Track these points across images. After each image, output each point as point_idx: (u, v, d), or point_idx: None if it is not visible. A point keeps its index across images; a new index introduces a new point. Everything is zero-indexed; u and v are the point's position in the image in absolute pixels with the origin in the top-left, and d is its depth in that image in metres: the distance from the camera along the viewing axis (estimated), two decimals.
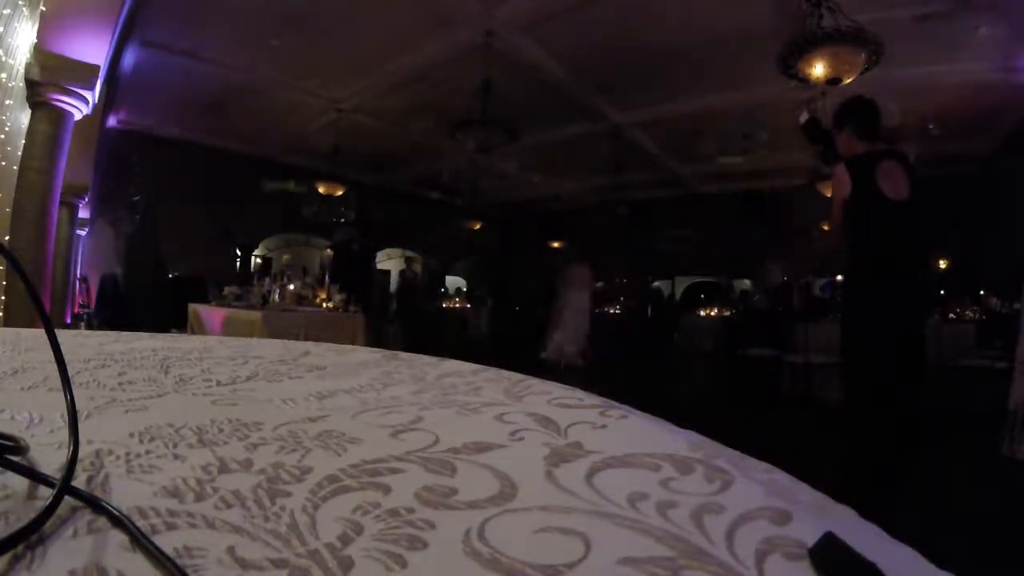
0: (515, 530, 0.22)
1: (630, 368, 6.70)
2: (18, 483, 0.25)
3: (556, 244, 12.09)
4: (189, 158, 8.73)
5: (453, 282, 12.75)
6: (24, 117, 3.82)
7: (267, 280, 4.91)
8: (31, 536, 0.20)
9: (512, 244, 12.52)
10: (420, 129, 8.16)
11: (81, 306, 7.19)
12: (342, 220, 9.73)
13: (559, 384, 0.48)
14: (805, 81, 4.34)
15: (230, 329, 3.93)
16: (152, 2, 5.01)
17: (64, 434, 0.31)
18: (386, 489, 0.25)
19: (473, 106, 6.14)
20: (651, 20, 5.40)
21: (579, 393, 0.44)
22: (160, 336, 0.85)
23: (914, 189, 2.15)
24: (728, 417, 3.91)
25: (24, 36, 3.56)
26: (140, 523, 0.22)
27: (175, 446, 0.31)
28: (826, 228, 2.27)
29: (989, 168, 7.68)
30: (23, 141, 3.78)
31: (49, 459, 0.28)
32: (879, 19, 4.32)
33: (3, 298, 3.44)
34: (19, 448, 0.27)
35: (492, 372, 0.55)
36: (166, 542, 0.20)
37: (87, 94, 4.04)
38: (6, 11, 3.25)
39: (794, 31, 4.31)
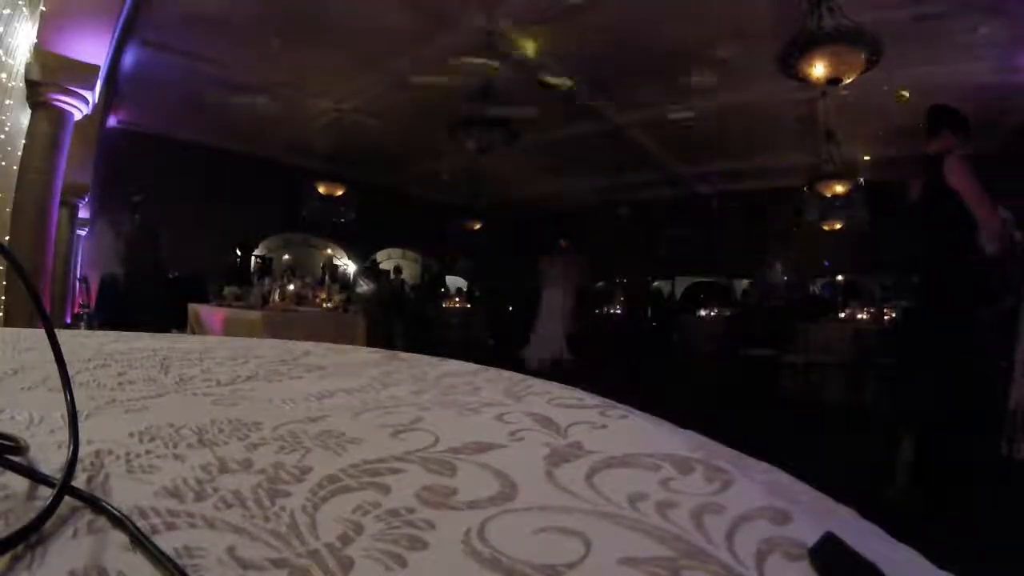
0: (515, 530, 0.22)
1: (630, 368, 6.69)
2: (18, 483, 0.25)
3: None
4: (189, 158, 8.73)
5: (453, 282, 12.74)
6: (24, 117, 3.82)
7: (267, 280, 4.91)
8: (31, 536, 0.20)
9: (512, 244, 12.52)
10: (420, 129, 8.16)
11: (81, 306, 7.19)
12: (342, 220, 9.73)
13: (559, 384, 0.48)
14: (805, 81, 4.35)
15: (230, 329, 3.92)
16: (152, 2, 5.01)
17: (64, 434, 0.31)
18: (386, 489, 0.25)
19: (473, 106, 6.14)
20: (651, 20, 5.41)
21: (579, 393, 0.44)
22: (160, 336, 0.85)
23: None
24: (728, 417, 3.91)
25: (24, 36, 3.56)
26: (140, 523, 0.22)
27: (175, 446, 0.31)
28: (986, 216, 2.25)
29: (989, 168, 7.68)
30: (23, 141, 3.77)
31: (49, 459, 0.28)
32: (879, 19, 4.32)
33: (3, 298, 3.44)
34: (19, 448, 0.27)
35: (492, 372, 0.55)
36: (166, 542, 0.20)
37: (87, 94, 4.04)
38: (6, 11, 3.25)
39: (794, 31, 4.32)
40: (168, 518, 0.22)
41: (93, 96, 4.14)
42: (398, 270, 10.05)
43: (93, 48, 4.04)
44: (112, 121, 7.46)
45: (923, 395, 2.29)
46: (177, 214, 8.64)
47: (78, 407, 0.30)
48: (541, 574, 0.19)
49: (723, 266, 10.58)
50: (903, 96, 5.80)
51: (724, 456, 0.30)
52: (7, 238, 3.51)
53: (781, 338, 5.31)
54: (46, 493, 0.23)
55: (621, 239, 10.98)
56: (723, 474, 0.27)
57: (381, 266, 11.82)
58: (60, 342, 0.31)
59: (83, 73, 3.96)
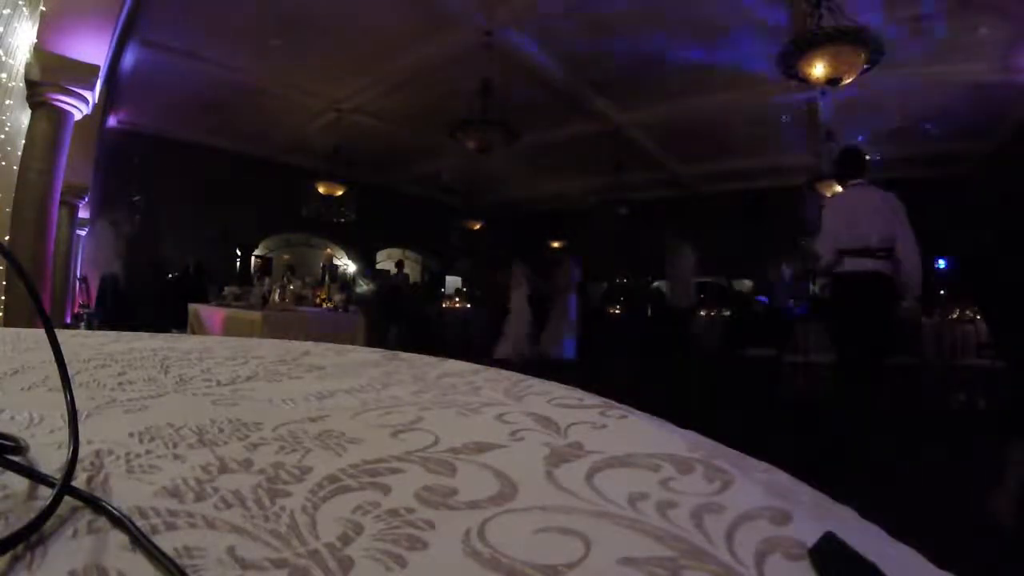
0: (515, 530, 0.22)
1: (630, 368, 6.69)
2: (18, 483, 0.25)
3: (556, 244, 12.09)
4: (189, 158, 8.74)
5: (453, 282, 12.75)
6: (24, 117, 3.82)
7: (267, 280, 4.91)
8: (31, 536, 0.20)
9: (512, 244, 12.54)
10: (420, 129, 8.17)
11: (81, 306, 7.19)
12: (342, 220, 9.73)
13: (559, 384, 0.48)
14: (805, 81, 4.35)
15: (230, 329, 3.92)
16: (152, 2, 5.02)
17: (64, 434, 0.31)
18: (386, 489, 0.25)
19: (473, 106, 6.14)
20: (651, 20, 5.41)
21: (579, 393, 0.44)
22: (160, 336, 0.85)
23: None
24: (728, 417, 3.91)
25: (24, 36, 3.56)
26: (140, 523, 0.22)
27: (175, 446, 0.31)
28: None
29: (989, 168, 7.69)
30: (23, 141, 3.77)
31: (49, 459, 0.28)
32: (879, 19, 4.32)
33: (3, 298, 3.44)
34: (19, 448, 0.27)
35: (492, 372, 0.55)
36: (166, 542, 0.20)
37: (87, 94, 4.04)
38: (6, 11, 3.25)
39: (794, 31, 4.31)
40: (168, 518, 0.22)
41: (93, 96, 4.13)
42: (400, 265, 10.03)
43: (93, 48, 4.04)
44: (112, 121, 7.46)
45: None
46: (177, 214, 8.65)
47: (78, 407, 0.30)
48: (541, 574, 0.19)
49: (723, 266, 10.55)
50: None
51: (724, 456, 0.30)
52: (7, 238, 3.51)
53: (781, 338, 5.30)
54: (46, 493, 0.23)
55: (621, 239, 10.97)
56: (723, 474, 0.27)
57: (380, 266, 11.83)
58: (60, 342, 0.31)
59: (83, 73, 3.96)
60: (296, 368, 0.58)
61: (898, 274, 2.97)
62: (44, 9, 3.57)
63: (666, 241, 7.14)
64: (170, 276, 8.31)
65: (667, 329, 8.50)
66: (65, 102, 3.96)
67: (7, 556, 0.19)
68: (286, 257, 10.15)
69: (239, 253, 9.63)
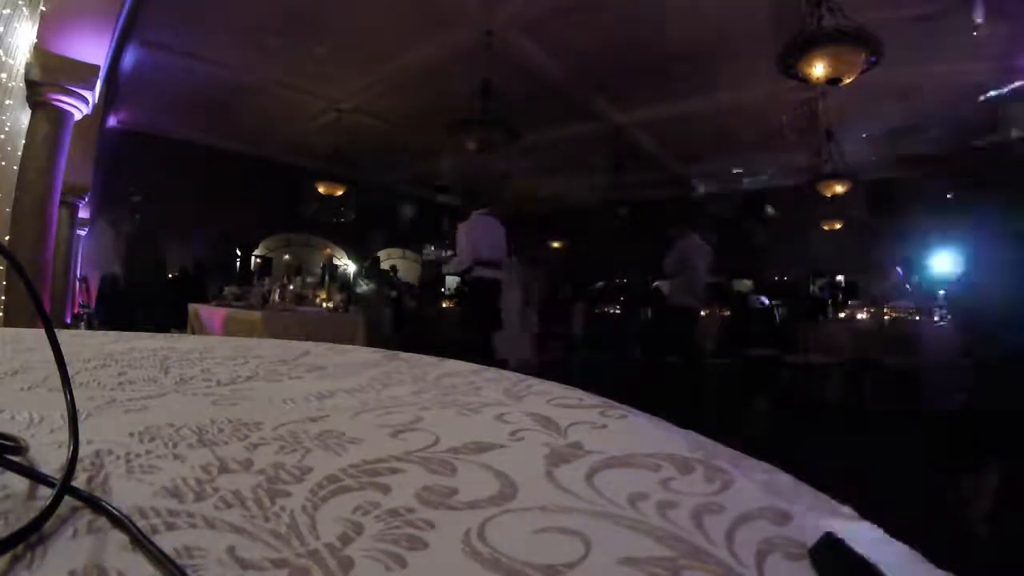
0: (515, 530, 0.22)
1: (630, 368, 6.68)
2: (18, 483, 0.25)
3: (556, 244, 12.08)
4: (189, 158, 8.74)
5: (453, 282, 12.75)
6: (24, 117, 3.81)
7: (267, 280, 4.91)
8: (31, 536, 0.20)
9: (512, 244, 12.53)
10: (420, 129, 8.17)
11: (81, 306, 7.19)
12: (342, 220, 9.74)
13: (559, 384, 0.48)
14: (805, 81, 4.35)
15: (230, 329, 3.92)
16: (152, 2, 5.02)
17: (64, 434, 0.31)
18: (386, 489, 0.25)
19: (473, 106, 6.14)
20: (651, 20, 5.41)
21: (579, 393, 0.44)
22: (160, 336, 0.85)
23: None
24: (728, 417, 3.91)
25: (24, 36, 3.56)
26: (140, 523, 0.22)
27: (175, 446, 0.31)
28: None
29: (989, 168, 7.69)
30: (23, 141, 3.77)
31: (49, 459, 0.28)
32: (879, 19, 4.32)
33: (3, 298, 3.44)
34: (19, 448, 0.27)
35: (492, 372, 0.55)
36: (166, 542, 0.20)
37: (87, 94, 4.04)
38: (6, 11, 3.25)
39: (794, 31, 4.32)
40: (168, 518, 0.22)
41: (93, 96, 4.13)
42: (402, 284, 10.01)
43: (93, 48, 4.03)
44: (112, 121, 7.46)
45: None
46: (177, 214, 8.65)
47: (78, 407, 0.30)
48: (541, 574, 0.19)
49: (723, 266, 10.53)
50: None
51: (724, 456, 0.30)
52: (7, 238, 3.51)
53: (781, 338, 5.31)
54: (46, 493, 0.23)
55: (621, 239, 10.96)
56: (723, 474, 0.27)
57: (381, 266, 11.82)
58: (60, 342, 0.31)
59: (83, 73, 3.95)
60: (296, 368, 0.58)
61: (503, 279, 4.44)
62: (44, 9, 3.57)
63: (670, 231, 6.57)
64: (170, 276, 8.31)
65: (669, 330, 8.42)
66: (65, 102, 3.95)
67: (7, 556, 0.19)
68: (286, 257, 10.15)
69: (239, 253, 9.63)
